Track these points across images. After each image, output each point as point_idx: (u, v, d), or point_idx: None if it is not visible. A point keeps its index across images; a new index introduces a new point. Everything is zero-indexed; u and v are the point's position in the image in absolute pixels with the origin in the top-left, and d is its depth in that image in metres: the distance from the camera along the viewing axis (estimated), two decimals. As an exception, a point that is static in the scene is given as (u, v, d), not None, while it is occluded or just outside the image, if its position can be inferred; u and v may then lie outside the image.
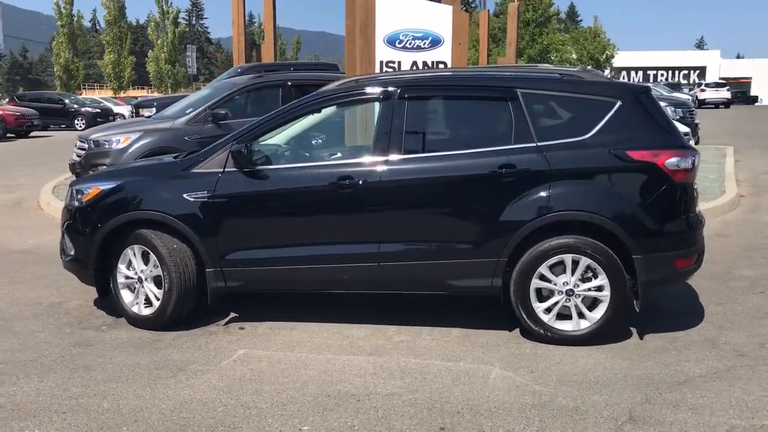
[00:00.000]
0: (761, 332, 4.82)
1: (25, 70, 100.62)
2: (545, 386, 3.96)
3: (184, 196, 4.81)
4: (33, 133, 26.81)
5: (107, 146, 9.46)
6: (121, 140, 9.38)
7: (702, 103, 44.49)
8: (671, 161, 4.48)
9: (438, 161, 4.70)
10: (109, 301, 5.19)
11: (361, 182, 4.64)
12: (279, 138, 5.20)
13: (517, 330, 4.78)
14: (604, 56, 54.67)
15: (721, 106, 46.12)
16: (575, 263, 4.50)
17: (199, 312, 5.06)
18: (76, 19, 59.70)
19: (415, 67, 7.80)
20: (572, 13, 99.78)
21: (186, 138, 9.10)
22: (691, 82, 63.27)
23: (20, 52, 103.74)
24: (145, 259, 4.90)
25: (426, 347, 4.58)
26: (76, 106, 32.47)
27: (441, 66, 7.83)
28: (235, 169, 4.79)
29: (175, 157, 5.58)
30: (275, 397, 3.85)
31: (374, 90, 4.92)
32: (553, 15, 52.94)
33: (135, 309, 4.97)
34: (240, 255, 4.82)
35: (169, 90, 59.44)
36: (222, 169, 4.82)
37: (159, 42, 62.67)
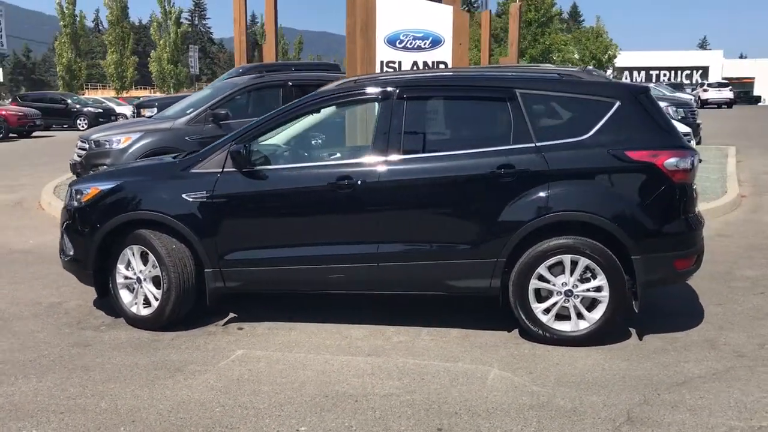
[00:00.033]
0: (761, 333, 4.81)
1: (28, 71, 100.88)
2: (543, 387, 3.95)
3: (183, 196, 4.81)
4: (35, 133, 26.85)
5: (108, 146, 9.47)
6: (122, 140, 9.38)
7: (704, 103, 44.44)
8: (670, 161, 4.47)
9: (437, 161, 4.69)
10: (108, 302, 5.19)
11: (359, 182, 4.64)
12: (278, 138, 5.20)
13: (516, 330, 4.77)
14: (606, 56, 54.65)
15: (723, 106, 46.05)
16: (574, 264, 4.49)
17: (198, 312, 5.06)
18: (78, 19, 59.88)
19: (415, 67, 7.79)
20: (575, 12, 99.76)
21: (187, 138, 9.10)
22: (694, 82, 63.16)
23: (23, 53, 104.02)
24: (144, 259, 4.90)
25: (424, 348, 4.58)
26: (78, 106, 32.54)
27: (442, 66, 7.82)
28: (233, 169, 4.79)
29: (174, 158, 5.58)
30: (273, 397, 3.84)
31: (373, 90, 4.92)
32: (555, 15, 52.92)
33: (134, 309, 4.97)
34: (239, 255, 4.82)
35: (172, 90, 59.52)
36: (221, 170, 4.82)
37: (161, 42, 62.76)
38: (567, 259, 4.49)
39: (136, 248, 4.90)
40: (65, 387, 4.00)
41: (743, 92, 62.04)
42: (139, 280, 4.92)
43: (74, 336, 4.86)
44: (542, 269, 4.52)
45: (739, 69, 70.94)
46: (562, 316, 4.58)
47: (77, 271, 5.20)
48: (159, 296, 4.85)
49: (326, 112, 5.21)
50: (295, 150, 5.39)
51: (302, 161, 5.27)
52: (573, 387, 3.94)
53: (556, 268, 4.52)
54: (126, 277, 4.97)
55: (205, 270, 4.84)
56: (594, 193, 4.55)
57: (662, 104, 15.82)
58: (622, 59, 60.75)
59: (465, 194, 4.62)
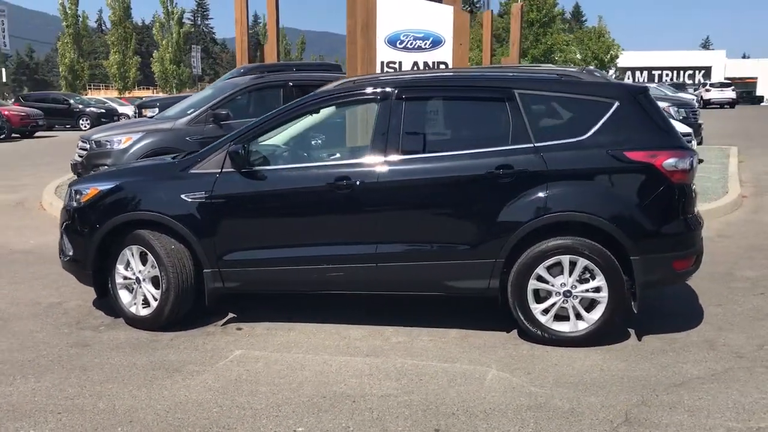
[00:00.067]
0: (760, 334, 4.80)
1: (31, 71, 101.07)
2: (541, 388, 3.95)
3: (182, 196, 4.81)
4: (38, 134, 26.90)
5: (109, 146, 9.48)
6: (123, 140, 9.39)
7: (707, 103, 44.38)
8: (669, 162, 4.46)
9: (436, 162, 4.69)
10: (107, 302, 5.19)
11: (358, 183, 4.64)
12: (276, 138, 5.20)
13: (515, 331, 4.77)
14: (608, 56, 54.58)
15: (726, 106, 45.97)
16: (573, 264, 4.48)
17: (197, 312, 5.06)
18: (81, 19, 60.01)
19: (416, 68, 7.79)
20: (577, 13, 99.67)
21: (187, 138, 9.10)
22: (696, 82, 63.07)
23: (26, 53, 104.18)
24: (143, 259, 4.90)
25: (423, 348, 4.58)
26: (80, 106, 32.60)
27: (442, 66, 7.82)
28: (232, 169, 4.79)
29: (173, 158, 5.58)
30: (270, 398, 3.85)
31: (371, 90, 4.92)
32: (557, 15, 52.85)
33: (133, 309, 4.97)
34: (238, 256, 4.82)
35: (174, 90, 59.60)
36: (219, 170, 4.82)
37: (164, 42, 62.88)
38: (566, 259, 4.48)
39: (135, 248, 4.91)
40: (63, 387, 4.00)
41: (746, 92, 61.89)
42: (138, 281, 4.93)
43: (73, 336, 4.86)
44: (541, 270, 4.52)
45: (741, 69, 70.79)
46: (560, 316, 4.57)
47: (76, 271, 5.21)
48: (158, 296, 4.86)
49: (325, 112, 5.21)
50: (293, 150, 5.39)
51: (301, 161, 5.26)
52: (571, 388, 3.94)
53: (555, 269, 4.52)
54: (125, 278, 4.98)
55: (204, 270, 4.85)
56: (592, 193, 4.54)
57: (663, 104, 15.93)
58: (625, 59, 60.67)
59: (464, 195, 4.61)
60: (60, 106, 32.02)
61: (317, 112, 5.12)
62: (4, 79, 51.93)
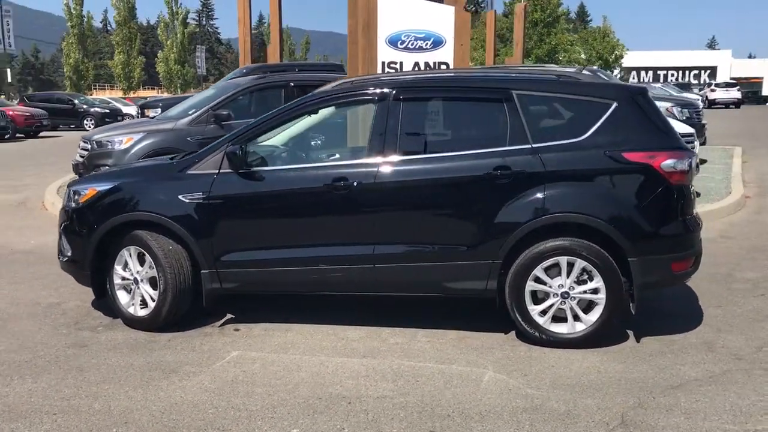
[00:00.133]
0: (760, 336, 4.77)
1: (36, 71, 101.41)
2: (538, 389, 3.93)
3: (180, 197, 4.81)
4: (42, 134, 26.99)
5: (110, 147, 9.50)
6: (124, 141, 9.41)
7: (712, 103, 44.24)
8: (667, 163, 4.44)
9: (433, 163, 4.68)
10: (106, 302, 5.20)
11: (355, 183, 4.63)
12: (274, 139, 5.20)
13: (513, 333, 4.75)
14: (613, 56, 54.42)
15: (731, 107, 45.80)
16: (570, 265, 4.46)
17: (195, 313, 5.06)
18: (86, 19, 60.14)
19: (417, 68, 7.78)
20: (582, 12, 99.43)
21: (189, 139, 9.12)
22: (702, 82, 62.86)
23: (32, 53, 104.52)
24: (141, 260, 4.91)
25: (420, 349, 4.57)
26: (85, 106, 32.66)
27: (443, 67, 7.81)
28: (230, 170, 4.79)
29: (171, 158, 5.58)
30: (266, 399, 3.84)
31: (369, 91, 4.91)
32: (561, 15, 52.70)
33: (131, 310, 4.98)
34: (235, 256, 4.82)
35: (179, 90, 59.72)
36: (217, 171, 4.82)
37: (168, 42, 63.04)
38: (563, 260, 4.46)
39: (133, 249, 4.91)
40: (60, 388, 4.00)
41: (751, 92, 61.67)
42: (136, 281, 4.93)
43: (71, 336, 4.87)
44: (539, 271, 4.50)
45: (747, 69, 70.47)
46: (558, 318, 4.55)
47: (75, 271, 5.21)
48: (156, 297, 4.86)
49: (323, 113, 5.20)
50: (291, 151, 5.38)
51: (299, 162, 5.27)
52: (568, 390, 3.92)
53: (553, 270, 4.50)
54: (123, 278, 4.98)
55: (202, 271, 4.85)
56: (591, 194, 4.52)
57: (667, 104, 15.88)
58: (630, 59, 60.46)
59: (461, 196, 4.60)
60: (64, 106, 32.09)
61: (315, 112, 5.13)
62: (9, 80, 52.09)
